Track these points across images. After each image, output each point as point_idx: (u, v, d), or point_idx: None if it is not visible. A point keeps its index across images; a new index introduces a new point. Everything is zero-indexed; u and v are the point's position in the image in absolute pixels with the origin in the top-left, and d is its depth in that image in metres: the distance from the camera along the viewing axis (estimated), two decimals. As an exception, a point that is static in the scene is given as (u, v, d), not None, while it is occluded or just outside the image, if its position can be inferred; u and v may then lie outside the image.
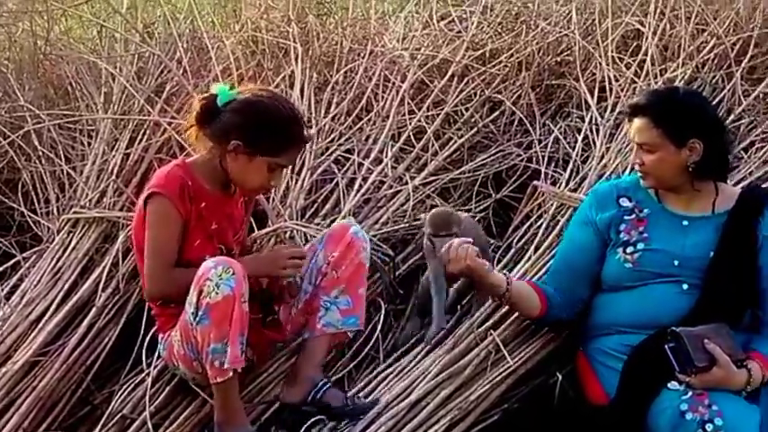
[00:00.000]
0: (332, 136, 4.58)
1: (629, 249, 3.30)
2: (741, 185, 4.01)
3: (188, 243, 3.22)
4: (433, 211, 3.58)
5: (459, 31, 5.26)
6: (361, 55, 5.02)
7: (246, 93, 3.23)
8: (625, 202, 3.36)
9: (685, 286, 3.23)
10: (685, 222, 3.29)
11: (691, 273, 3.23)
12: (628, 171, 3.99)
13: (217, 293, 3.03)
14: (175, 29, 4.90)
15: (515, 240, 4.11)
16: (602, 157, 4.33)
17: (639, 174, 3.31)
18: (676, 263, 3.24)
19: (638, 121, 3.26)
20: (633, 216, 3.33)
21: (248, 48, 5.14)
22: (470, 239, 3.29)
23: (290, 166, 3.82)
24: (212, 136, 3.21)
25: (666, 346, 3.07)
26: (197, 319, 3.07)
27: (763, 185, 4.25)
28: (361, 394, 3.40)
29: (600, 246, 3.35)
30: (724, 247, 3.21)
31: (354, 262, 3.38)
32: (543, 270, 3.69)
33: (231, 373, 3.10)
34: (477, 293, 3.53)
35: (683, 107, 3.25)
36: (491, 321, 3.53)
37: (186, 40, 4.98)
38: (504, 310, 3.55)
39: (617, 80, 4.75)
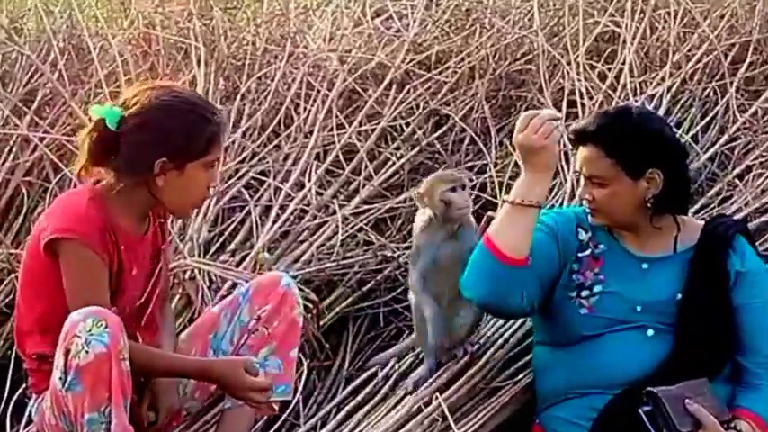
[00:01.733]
0: (243, 155, 4.67)
1: (585, 293, 3.43)
2: (736, 218, 4.19)
3: None
4: (435, 174, 3.76)
5: (399, 31, 5.36)
6: (279, 58, 5.12)
7: (139, 100, 3.22)
8: (582, 234, 3.49)
9: (650, 332, 3.38)
10: (645, 265, 3.44)
11: (655, 317, 3.38)
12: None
13: (87, 352, 3.05)
14: (49, 25, 4.97)
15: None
16: (573, 188, 4.40)
17: (589, 210, 3.44)
18: (639, 308, 3.39)
19: (585, 150, 3.39)
20: (588, 252, 3.46)
21: (139, 48, 5.21)
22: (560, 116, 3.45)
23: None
24: (124, 168, 3.22)
25: (641, 410, 3.20)
26: (66, 384, 3.10)
27: (763, 218, 4.45)
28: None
29: (559, 261, 3.47)
30: (693, 287, 3.38)
31: (288, 318, 3.47)
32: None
33: (116, 446, 3.16)
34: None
35: (638, 132, 3.38)
36: (437, 383, 3.65)
37: (63, 39, 5.05)
38: (450, 373, 3.68)
39: (589, 94, 4.86)
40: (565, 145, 4.56)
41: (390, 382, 3.80)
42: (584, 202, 3.45)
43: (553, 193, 4.49)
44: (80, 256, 3.17)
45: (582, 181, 3.43)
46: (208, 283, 3.92)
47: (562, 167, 4.58)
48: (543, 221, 3.46)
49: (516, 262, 3.34)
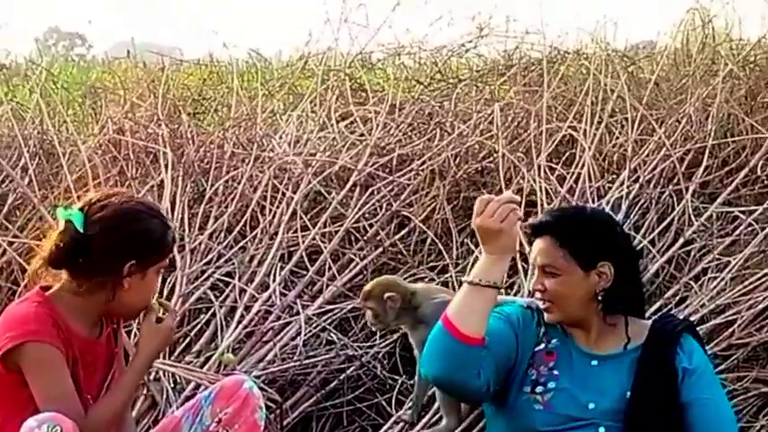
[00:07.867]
0: (209, 257, 4.71)
1: (539, 389, 3.45)
2: (692, 319, 4.23)
3: None
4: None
5: (362, 134, 5.46)
6: (246, 161, 5.20)
7: (105, 205, 3.28)
8: (537, 328, 3.53)
9: (602, 430, 3.40)
10: (594, 362, 3.47)
11: (607, 415, 3.40)
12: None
13: None
14: (20, 130, 5.00)
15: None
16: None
17: (542, 305, 3.47)
18: (591, 405, 3.41)
19: (540, 242, 3.46)
20: (543, 347, 3.49)
21: (108, 153, 5.27)
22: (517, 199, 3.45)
23: None
24: (90, 270, 3.25)
25: None
26: (22, 488, 3.11)
27: (718, 320, 4.49)
28: None
29: (517, 350, 3.48)
30: (642, 385, 3.40)
31: (249, 421, 3.46)
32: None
33: None
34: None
35: (590, 225, 3.49)
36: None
37: (33, 144, 5.09)
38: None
39: (548, 196, 4.91)
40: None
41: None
42: (536, 294, 3.47)
43: (514, 295, 4.52)
44: (40, 356, 3.18)
45: (536, 273, 3.47)
46: (172, 384, 3.92)
47: (523, 269, 4.62)
48: (504, 311, 3.51)
49: (472, 341, 3.35)
